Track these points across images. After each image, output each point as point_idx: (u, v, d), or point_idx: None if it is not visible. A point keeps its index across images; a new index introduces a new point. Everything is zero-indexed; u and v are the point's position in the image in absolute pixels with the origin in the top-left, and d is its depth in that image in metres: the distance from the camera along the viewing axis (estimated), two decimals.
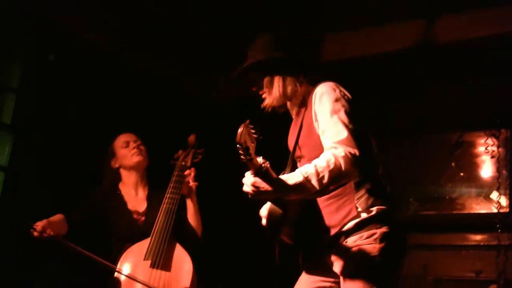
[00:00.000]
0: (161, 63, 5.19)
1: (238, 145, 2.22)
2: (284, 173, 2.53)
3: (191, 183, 3.71)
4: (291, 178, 2.41)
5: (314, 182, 2.39)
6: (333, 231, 2.64)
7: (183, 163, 3.84)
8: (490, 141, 4.70)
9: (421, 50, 4.68)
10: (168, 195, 3.65)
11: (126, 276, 3.38)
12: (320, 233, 2.69)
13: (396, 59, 4.77)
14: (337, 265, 2.65)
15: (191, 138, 3.99)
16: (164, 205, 3.62)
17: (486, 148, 4.73)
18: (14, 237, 3.98)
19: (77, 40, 4.53)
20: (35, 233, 3.30)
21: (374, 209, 2.59)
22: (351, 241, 2.59)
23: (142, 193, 3.84)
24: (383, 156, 2.76)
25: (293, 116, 2.87)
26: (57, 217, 3.54)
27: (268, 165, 2.37)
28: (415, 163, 4.88)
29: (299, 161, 2.77)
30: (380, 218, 2.59)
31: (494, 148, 4.70)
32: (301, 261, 2.79)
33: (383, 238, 2.57)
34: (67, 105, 4.41)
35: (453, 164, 4.81)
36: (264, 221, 2.62)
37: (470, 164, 4.81)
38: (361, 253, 2.57)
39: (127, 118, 4.53)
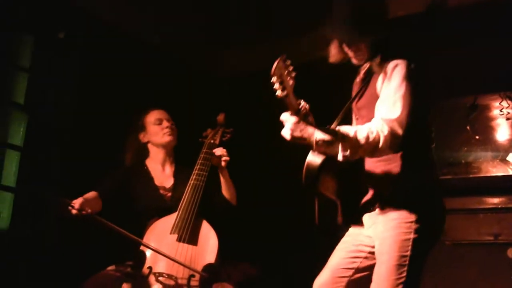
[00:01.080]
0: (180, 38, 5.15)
1: (272, 79, 2.16)
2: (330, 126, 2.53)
3: (223, 158, 3.74)
4: (328, 132, 2.41)
5: (348, 144, 2.41)
6: (376, 195, 2.66)
7: (212, 141, 3.91)
8: (505, 103, 4.66)
9: (432, 13, 4.63)
10: (196, 172, 3.71)
11: (154, 250, 3.39)
12: (362, 193, 2.72)
13: (408, 24, 4.71)
14: (375, 234, 2.68)
15: (220, 117, 4.06)
16: (192, 181, 3.68)
17: (501, 111, 4.69)
18: (31, 217, 4.01)
19: (88, 16, 4.48)
20: (73, 211, 3.29)
21: (419, 178, 2.61)
22: (391, 212, 2.62)
23: (169, 169, 3.91)
24: None
25: (360, 77, 2.88)
26: (92, 194, 3.58)
27: (308, 108, 2.37)
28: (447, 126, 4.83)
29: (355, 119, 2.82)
30: (425, 186, 2.60)
31: (510, 110, 4.66)
32: (340, 221, 2.79)
33: (422, 218, 2.61)
34: (80, 83, 4.38)
35: (468, 127, 4.77)
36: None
37: (485, 127, 4.77)
38: (400, 228, 2.61)
39: (144, 95, 4.49)
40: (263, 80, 2.40)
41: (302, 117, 2.38)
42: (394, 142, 2.48)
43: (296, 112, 2.35)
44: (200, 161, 3.77)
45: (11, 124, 4.22)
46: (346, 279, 2.79)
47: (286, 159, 2.80)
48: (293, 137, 2.42)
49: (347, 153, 2.44)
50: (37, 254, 3.90)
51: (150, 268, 3.38)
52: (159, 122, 3.90)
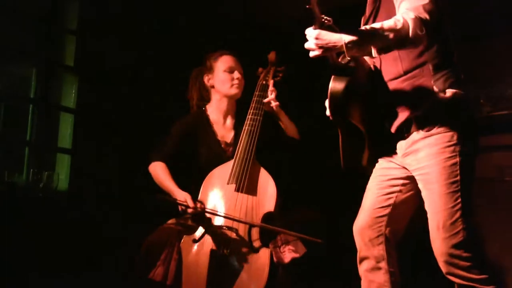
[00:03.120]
0: None
1: None
2: None
3: (273, 104, 3.63)
4: (355, 32, 2.35)
5: (378, 38, 2.35)
6: (407, 114, 2.59)
7: (264, 82, 3.75)
8: None
9: None
10: (249, 117, 3.61)
11: (211, 213, 3.39)
12: (392, 116, 2.63)
13: None
14: (414, 162, 2.60)
15: (271, 55, 3.86)
16: (246, 127, 3.58)
17: None
18: (86, 179, 4.09)
19: None
20: (190, 210, 3.32)
21: (451, 91, 2.54)
22: (430, 135, 2.55)
23: (230, 122, 3.78)
24: None
25: None
26: (167, 173, 3.53)
27: (332, 21, 2.33)
28: (482, 65, 4.71)
29: None
30: (457, 101, 2.54)
31: None
32: (365, 162, 2.73)
33: (464, 137, 2.53)
34: (128, 43, 4.39)
35: None
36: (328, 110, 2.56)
37: None
38: (444, 153, 2.52)
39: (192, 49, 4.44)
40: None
41: (327, 28, 2.33)
42: (424, 25, 2.37)
43: (320, 24, 2.30)
44: (253, 105, 3.65)
45: (63, 87, 4.27)
46: (385, 218, 2.73)
47: None
48: (319, 46, 2.35)
49: (380, 46, 2.37)
50: (96, 212, 3.97)
51: (209, 219, 3.38)
52: (231, 70, 3.71)
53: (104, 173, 4.14)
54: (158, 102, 4.30)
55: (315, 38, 2.35)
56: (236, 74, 3.71)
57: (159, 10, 4.51)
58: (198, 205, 3.33)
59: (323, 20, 2.31)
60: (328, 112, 2.57)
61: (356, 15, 2.89)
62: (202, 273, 3.23)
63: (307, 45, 2.39)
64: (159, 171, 3.53)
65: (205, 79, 3.77)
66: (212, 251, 3.28)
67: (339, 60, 2.49)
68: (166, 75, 4.25)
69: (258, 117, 3.59)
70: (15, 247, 3.51)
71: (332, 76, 2.49)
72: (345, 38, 2.34)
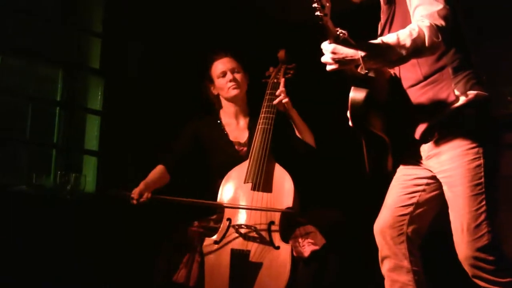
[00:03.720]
0: None
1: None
2: None
3: (284, 100, 3.60)
4: (371, 45, 2.34)
5: (395, 48, 2.32)
6: (429, 120, 2.55)
7: (275, 80, 3.75)
8: None
9: None
10: (262, 115, 3.62)
11: (229, 207, 3.43)
12: (415, 122, 2.60)
13: None
14: (437, 165, 2.57)
15: (281, 54, 3.88)
16: (260, 126, 3.59)
17: None
18: (113, 179, 4.12)
19: None
20: (134, 201, 3.40)
21: (473, 93, 2.49)
22: (453, 138, 2.50)
23: (243, 122, 3.80)
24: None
25: (383, 1, 2.76)
26: (155, 173, 3.61)
27: (347, 34, 2.32)
28: (509, 61, 4.64)
29: None
30: (479, 103, 2.50)
31: None
32: (390, 167, 2.71)
33: (486, 138, 2.49)
34: (152, 44, 4.41)
35: None
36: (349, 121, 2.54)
37: None
38: (467, 155, 2.48)
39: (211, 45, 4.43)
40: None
41: (342, 42, 2.31)
42: (439, 32, 2.34)
43: (335, 38, 2.29)
44: (265, 103, 3.65)
45: (89, 89, 4.31)
46: (407, 217, 2.68)
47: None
48: (335, 61, 2.35)
49: (397, 58, 2.35)
50: (123, 214, 4.00)
51: (229, 220, 3.41)
52: (223, 74, 3.75)
53: (131, 174, 4.16)
54: (184, 103, 4.30)
55: (331, 53, 2.34)
56: (229, 76, 3.75)
57: (180, 11, 4.51)
58: (145, 195, 3.39)
59: (338, 34, 2.30)
60: (350, 123, 2.55)
61: (364, 19, 2.87)
62: (224, 273, 3.26)
63: (323, 59, 2.38)
64: (152, 171, 3.63)
65: (211, 89, 3.85)
66: (232, 250, 3.30)
67: (358, 70, 2.47)
68: (190, 76, 4.25)
69: (271, 115, 3.60)
70: (43, 249, 3.56)
71: (352, 87, 2.47)
72: (361, 52, 2.33)
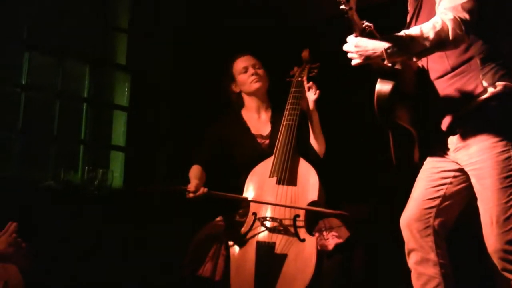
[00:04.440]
0: None
1: None
2: None
3: (314, 94, 3.67)
4: (395, 38, 2.35)
5: (418, 40, 2.33)
6: (456, 112, 2.52)
7: (299, 79, 3.79)
8: None
9: None
10: (287, 112, 3.66)
11: (254, 201, 3.45)
12: (442, 114, 2.57)
13: None
14: (465, 157, 2.54)
15: (305, 53, 3.91)
16: (285, 122, 3.63)
17: None
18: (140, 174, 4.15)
19: None
20: (190, 195, 3.42)
21: (501, 84, 2.45)
22: (481, 131, 2.47)
23: (265, 116, 3.85)
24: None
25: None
26: (197, 169, 3.65)
27: (372, 27, 2.31)
28: None
29: None
30: (507, 95, 2.46)
31: None
32: (417, 157, 2.69)
33: (510, 122, 2.47)
34: (178, 39, 4.41)
35: None
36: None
37: None
38: (496, 148, 2.45)
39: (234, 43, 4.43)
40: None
41: (368, 35, 2.32)
42: (463, 25, 2.34)
43: (361, 31, 2.31)
44: (290, 101, 3.69)
45: (115, 85, 4.34)
46: (434, 210, 2.66)
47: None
48: (359, 54, 2.36)
49: (420, 50, 2.36)
50: (150, 209, 4.02)
51: (254, 214, 3.42)
52: (245, 70, 3.81)
53: (158, 170, 4.17)
54: (210, 97, 4.30)
55: (354, 46, 2.36)
56: (250, 70, 3.81)
57: (205, 10, 4.51)
58: (201, 190, 3.40)
59: (363, 27, 2.30)
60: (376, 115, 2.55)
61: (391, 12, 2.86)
62: (250, 266, 3.26)
63: (348, 54, 2.40)
64: (192, 170, 3.65)
65: (233, 87, 3.90)
66: (258, 243, 3.31)
67: (384, 63, 2.45)
68: (216, 72, 4.25)
69: (296, 112, 3.64)
70: (71, 245, 3.58)
71: (378, 80, 2.47)
72: (384, 45, 2.34)
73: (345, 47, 2.41)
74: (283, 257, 3.26)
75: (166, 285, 3.72)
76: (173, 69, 4.36)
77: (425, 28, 2.34)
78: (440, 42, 2.35)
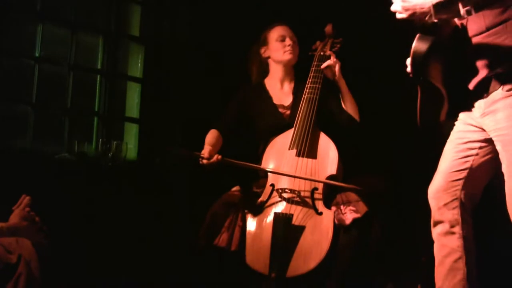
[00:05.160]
0: None
1: None
2: None
3: (336, 66, 3.64)
4: None
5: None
6: (487, 72, 2.47)
7: (322, 53, 3.78)
8: None
9: None
10: (308, 85, 3.65)
11: (273, 172, 3.46)
12: (473, 73, 2.53)
13: None
14: (493, 123, 2.49)
15: (328, 28, 3.90)
16: (306, 95, 3.62)
17: None
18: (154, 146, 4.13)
19: None
20: (204, 161, 3.43)
21: None
22: (506, 89, 2.43)
23: (288, 87, 3.85)
24: None
25: None
26: (213, 135, 3.67)
27: None
28: None
29: None
30: None
31: None
32: (443, 117, 2.64)
33: None
34: (192, 11, 4.35)
35: None
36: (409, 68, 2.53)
37: None
38: None
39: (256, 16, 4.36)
40: None
41: None
42: None
43: None
44: (312, 74, 3.68)
45: (129, 56, 4.31)
46: (461, 181, 2.64)
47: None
48: (405, 9, 2.33)
49: (468, 4, 2.33)
50: (165, 182, 4.01)
51: (272, 185, 3.43)
52: (282, 38, 3.81)
53: (171, 141, 4.15)
54: (223, 70, 4.26)
55: (401, 1, 2.31)
56: (288, 41, 3.80)
57: None
58: (215, 157, 3.41)
59: None
60: (408, 69, 2.54)
61: None
62: (266, 237, 3.27)
63: (393, 8, 2.38)
64: (208, 135, 3.67)
65: (262, 51, 3.89)
66: (275, 213, 3.30)
67: (426, 18, 2.42)
68: (231, 45, 4.20)
69: (317, 85, 3.64)
70: (86, 216, 3.58)
71: (417, 35, 2.45)
72: (433, 0, 2.30)
73: (394, 3, 2.39)
74: (300, 229, 3.26)
75: (183, 257, 3.70)
76: (187, 40, 4.29)
77: None
78: None
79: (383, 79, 4.12)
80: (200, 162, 3.44)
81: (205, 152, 3.44)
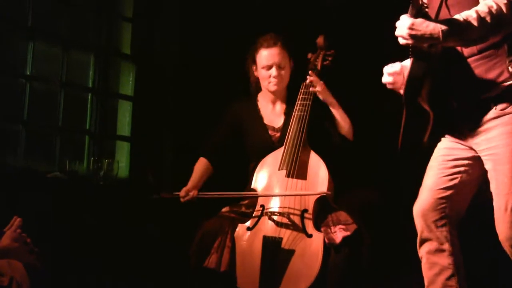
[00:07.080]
0: None
1: None
2: None
3: (316, 89, 3.53)
4: (451, 21, 2.28)
5: (475, 24, 2.26)
6: (478, 95, 2.48)
7: (313, 66, 3.69)
8: None
9: None
10: (299, 102, 3.55)
11: (262, 195, 3.44)
12: (464, 97, 2.54)
13: None
14: (480, 140, 2.50)
15: (320, 40, 3.77)
16: (296, 112, 3.53)
17: None
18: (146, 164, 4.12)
19: None
20: (182, 200, 3.50)
21: None
22: (499, 109, 2.44)
23: (280, 107, 3.72)
24: None
25: None
26: (200, 168, 3.63)
27: (427, 6, 2.26)
28: None
29: None
30: None
31: None
32: (426, 139, 2.59)
33: None
34: (183, 29, 4.37)
35: None
36: (386, 79, 2.57)
37: None
38: (510, 127, 2.42)
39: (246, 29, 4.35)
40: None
41: (423, 15, 2.27)
42: None
43: (418, 10, 2.26)
44: (302, 90, 3.58)
45: (120, 74, 4.32)
46: (449, 199, 2.62)
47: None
48: (411, 36, 2.29)
49: (476, 36, 2.31)
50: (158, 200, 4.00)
51: (262, 206, 3.40)
52: (268, 68, 3.59)
53: (163, 159, 4.16)
54: (216, 87, 4.26)
55: (408, 28, 2.29)
56: (273, 72, 3.59)
57: None
58: (192, 193, 3.49)
59: (421, 4, 2.25)
60: (384, 79, 2.57)
61: None
62: (256, 260, 3.26)
63: (398, 33, 2.34)
64: (196, 166, 3.66)
65: (253, 69, 3.74)
66: (265, 237, 3.29)
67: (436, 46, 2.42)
68: (223, 63, 4.20)
69: (308, 102, 3.54)
70: (77, 235, 3.57)
71: (412, 59, 2.44)
72: (442, 26, 2.28)
73: (399, 28, 2.34)
74: (289, 252, 3.25)
75: (172, 276, 3.70)
76: (178, 58, 4.30)
77: (481, 10, 2.29)
78: (497, 25, 2.30)
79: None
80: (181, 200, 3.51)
81: (182, 191, 3.50)
